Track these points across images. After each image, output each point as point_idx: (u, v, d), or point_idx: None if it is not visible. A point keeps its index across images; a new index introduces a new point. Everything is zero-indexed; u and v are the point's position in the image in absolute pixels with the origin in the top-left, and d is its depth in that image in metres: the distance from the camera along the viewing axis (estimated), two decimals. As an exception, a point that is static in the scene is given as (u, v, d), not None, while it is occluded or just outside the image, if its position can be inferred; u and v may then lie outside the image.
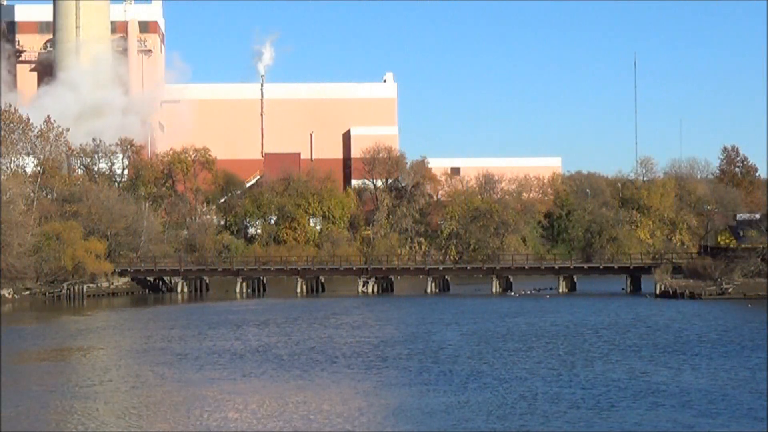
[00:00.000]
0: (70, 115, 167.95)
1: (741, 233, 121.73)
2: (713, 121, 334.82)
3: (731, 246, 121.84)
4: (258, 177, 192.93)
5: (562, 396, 54.09)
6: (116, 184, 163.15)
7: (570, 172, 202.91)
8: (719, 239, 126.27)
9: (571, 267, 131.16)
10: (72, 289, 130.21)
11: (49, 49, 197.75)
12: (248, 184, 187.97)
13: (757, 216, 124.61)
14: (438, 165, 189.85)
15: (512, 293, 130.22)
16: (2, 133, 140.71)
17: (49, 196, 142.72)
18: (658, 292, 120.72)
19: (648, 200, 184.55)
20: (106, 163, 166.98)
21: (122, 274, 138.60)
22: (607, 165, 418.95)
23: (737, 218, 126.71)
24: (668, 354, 69.71)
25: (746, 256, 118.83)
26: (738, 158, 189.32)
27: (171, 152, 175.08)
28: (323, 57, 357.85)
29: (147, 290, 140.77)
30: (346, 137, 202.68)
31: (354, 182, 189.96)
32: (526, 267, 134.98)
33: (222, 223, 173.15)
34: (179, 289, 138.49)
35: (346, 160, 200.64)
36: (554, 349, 72.90)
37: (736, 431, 46.25)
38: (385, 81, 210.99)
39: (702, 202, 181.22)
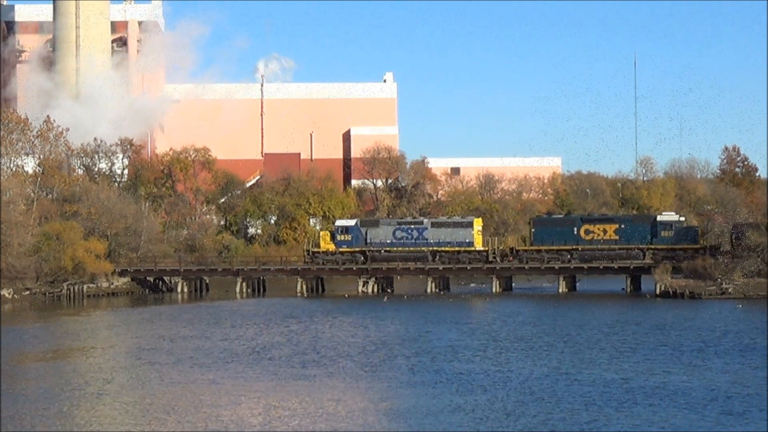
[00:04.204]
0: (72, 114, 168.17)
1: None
2: (713, 121, 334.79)
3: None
4: (258, 177, 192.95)
5: (578, 394, 53.98)
6: (116, 184, 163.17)
7: (570, 172, 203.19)
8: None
9: (571, 267, 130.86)
10: (72, 289, 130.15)
11: (49, 49, 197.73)
12: (248, 184, 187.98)
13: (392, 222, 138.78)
14: (438, 165, 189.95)
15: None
16: (2, 133, 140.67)
17: (49, 196, 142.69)
18: (658, 292, 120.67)
19: (648, 200, 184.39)
20: (106, 163, 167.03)
21: (122, 274, 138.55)
22: (607, 165, 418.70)
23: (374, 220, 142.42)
24: (676, 353, 69.62)
25: (746, 255, 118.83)
26: (738, 158, 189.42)
27: (171, 152, 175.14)
28: (323, 57, 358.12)
29: (147, 290, 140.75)
30: (346, 137, 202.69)
31: (354, 182, 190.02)
32: (526, 267, 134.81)
33: (222, 223, 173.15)
34: (179, 289, 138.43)
35: (346, 160, 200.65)
36: (561, 348, 72.75)
37: (737, 431, 46.21)
38: (385, 81, 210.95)
39: (702, 202, 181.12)
